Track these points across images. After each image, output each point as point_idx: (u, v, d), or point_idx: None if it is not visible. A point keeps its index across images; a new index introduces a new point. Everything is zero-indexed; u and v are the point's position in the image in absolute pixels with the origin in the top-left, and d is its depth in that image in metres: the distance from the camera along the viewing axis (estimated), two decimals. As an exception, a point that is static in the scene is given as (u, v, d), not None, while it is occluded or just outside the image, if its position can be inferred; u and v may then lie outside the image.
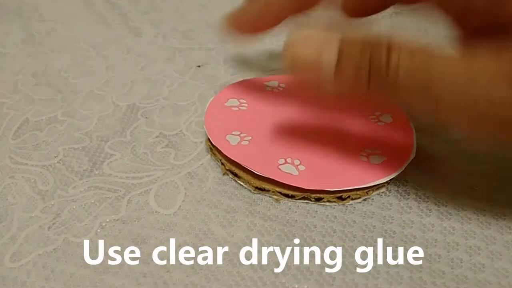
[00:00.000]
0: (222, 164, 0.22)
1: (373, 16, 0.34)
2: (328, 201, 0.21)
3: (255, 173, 0.21)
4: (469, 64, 0.15)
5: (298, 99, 0.26)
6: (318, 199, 0.21)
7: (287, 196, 0.21)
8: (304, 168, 0.21)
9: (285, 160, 0.22)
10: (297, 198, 0.21)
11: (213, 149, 0.23)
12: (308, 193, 0.21)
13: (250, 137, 0.23)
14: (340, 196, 0.21)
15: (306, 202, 0.21)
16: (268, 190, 0.21)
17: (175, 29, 0.35)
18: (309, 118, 0.24)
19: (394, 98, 0.18)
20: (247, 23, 0.25)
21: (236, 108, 0.25)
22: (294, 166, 0.21)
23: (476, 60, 0.15)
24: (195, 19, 0.36)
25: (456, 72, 0.15)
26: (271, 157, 0.22)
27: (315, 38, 0.18)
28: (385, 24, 0.33)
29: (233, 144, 0.22)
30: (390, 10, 0.34)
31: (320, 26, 0.18)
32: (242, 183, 0.22)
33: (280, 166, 0.21)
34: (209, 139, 0.23)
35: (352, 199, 0.21)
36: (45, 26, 0.36)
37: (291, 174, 0.21)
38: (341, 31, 0.18)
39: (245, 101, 0.26)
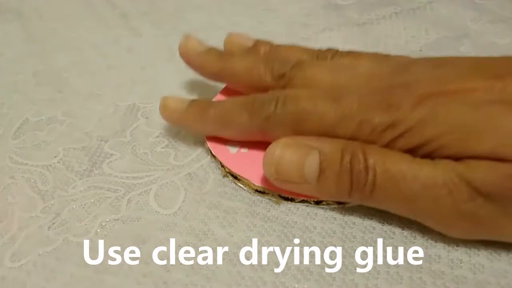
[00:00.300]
0: (222, 166, 0.22)
1: (373, 16, 0.34)
2: (327, 204, 0.21)
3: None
4: (434, 181, 0.17)
5: None
6: (318, 202, 0.21)
7: (286, 199, 0.21)
8: None
9: None
10: (296, 201, 0.21)
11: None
12: (307, 197, 0.21)
13: (249, 144, 0.22)
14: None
15: (306, 205, 0.21)
16: (268, 193, 0.21)
17: (175, 29, 0.35)
18: None
19: (372, 204, 0.19)
20: (184, 124, 0.23)
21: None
22: None
23: (440, 176, 0.17)
24: (195, 19, 0.36)
25: (423, 192, 0.17)
26: None
27: (295, 152, 0.19)
28: (385, 24, 0.33)
29: (233, 152, 0.22)
30: (390, 10, 0.35)
31: (300, 137, 0.19)
32: (242, 186, 0.22)
33: None
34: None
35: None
36: (45, 26, 0.36)
37: None
38: (319, 140, 0.19)
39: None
